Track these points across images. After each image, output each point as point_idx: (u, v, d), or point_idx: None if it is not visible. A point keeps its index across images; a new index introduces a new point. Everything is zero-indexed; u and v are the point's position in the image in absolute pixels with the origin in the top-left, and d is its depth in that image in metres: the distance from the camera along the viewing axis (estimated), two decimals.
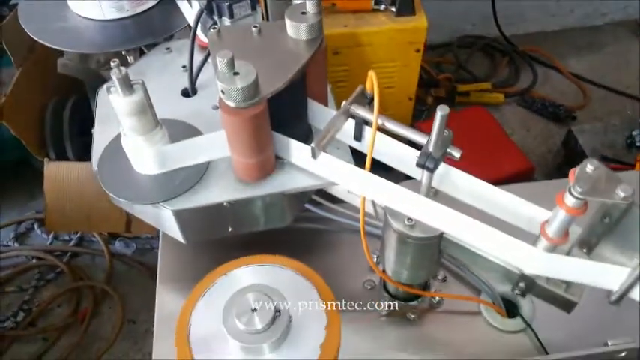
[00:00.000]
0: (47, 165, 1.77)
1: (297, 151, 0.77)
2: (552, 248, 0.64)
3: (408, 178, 0.76)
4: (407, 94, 2.01)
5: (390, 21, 1.77)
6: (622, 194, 0.54)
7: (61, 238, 2.13)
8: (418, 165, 0.67)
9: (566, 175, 0.57)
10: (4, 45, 1.71)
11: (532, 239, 0.68)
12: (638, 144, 1.99)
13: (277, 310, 0.58)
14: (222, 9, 0.91)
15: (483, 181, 0.71)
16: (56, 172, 1.77)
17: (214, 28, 0.79)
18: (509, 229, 0.68)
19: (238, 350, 0.59)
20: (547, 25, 2.93)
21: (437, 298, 0.93)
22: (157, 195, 0.79)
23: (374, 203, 0.87)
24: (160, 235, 1.03)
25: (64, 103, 1.97)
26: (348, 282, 0.97)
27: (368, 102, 0.73)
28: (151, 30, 1.13)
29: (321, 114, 0.83)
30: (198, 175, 0.81)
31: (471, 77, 2.68)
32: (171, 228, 0.84)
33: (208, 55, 0.93)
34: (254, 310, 0.58)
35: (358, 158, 0.78)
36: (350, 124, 0.76)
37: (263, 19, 1.01)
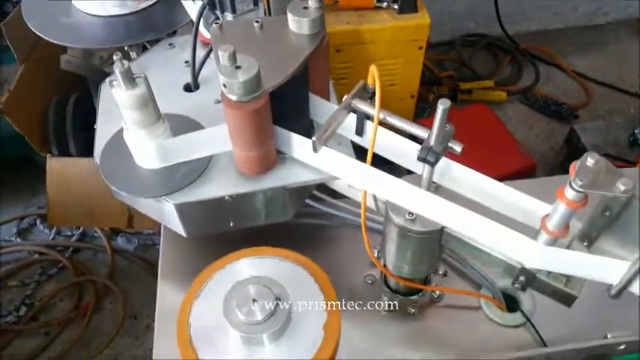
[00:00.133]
0: (50, 160, 1.78)
1: (298, 145, 0.78)
2: (553, 242, 0.64)
3: (410, 174, 0.76)
4: (409, 92, 2.01)
5: (392, 18, 1.77)
6: (622, 187, 0.54)
7: (63, 233, 2.14)
8: (419, 159, 0.67)
9: (568, 173, 0.58)
10: (8, 41, 1.72)
11: (533, 234, 0.68)
12: None
13: (277, 299, 0.58)
14: (225, 4, 0.92)
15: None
16: (58, 167, 1.78)
17: (217, 23, 0.79)
18: (510, 223, 0.69)
19: (239, 341, 0.59)
20: (550, 23, 2.93)
21: (437, 292, 0.93)
22: (158, 188, 0.80)
23: (375, 198, 0.88)
24: (162, 230, 1.04)
25: (66, 100, 1.97)
26: (348, 277, 0.97)
27: (369, 96, 0.74)
28: (154, 26, 1.13)
29: (322, 109, 0.83)
30: (200, 169, 0.82)
31: (474, 75, 2.68)
32: (172, 222, 0.84)
33: (211, 50, 0.93)
34: (254, 301, 0.59)
35: (360, 154, 0.79)
36: (352, 119, 0.76)
37: (265, 14, 1.01)
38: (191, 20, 1.09)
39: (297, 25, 0.76)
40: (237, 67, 0.66)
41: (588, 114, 2.52)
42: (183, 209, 0.80)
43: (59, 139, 1.93)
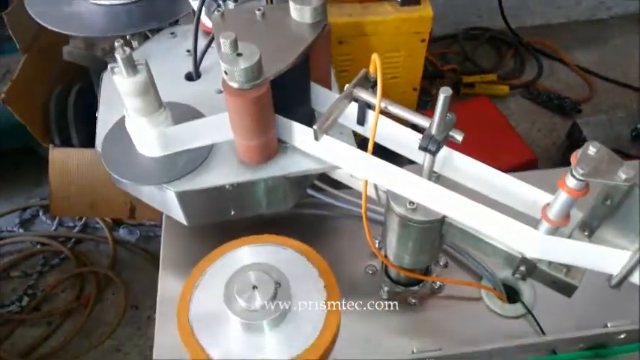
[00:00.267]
0: (52, 151, 1.78)
1: (299, 133, 0.78)
2: (553, 231, 0.64)
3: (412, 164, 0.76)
4: (412, 85, 2.00)
5: (395, 10, 1.76)
6: (624, 176, 0.54)
7: (65, 224, 2.15)
8: (420, 147, 0.67)
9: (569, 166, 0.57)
10: (10, 31, 1.72)
11: (534, 224, 0.68)
12: None
13: (277, 285, 0.59)
14: None
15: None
16: (61, 158, 1.79)
17: (218, 11, 0.79)
18: (511, 213, 0.68)
19: (239, 328, 0.60)
20: (553, 17, 2.92)
21: (438, 283, 0.94)
22: (159, 176, 0.80)
23: (376, 188, 0.88)
24: (163, 220, 1.04)
25: (69, 91, 1.98)
26: (349, 267, 0.97)
27: (371, 85, 0.73)
28: (156, 15, 1.13)
29: (324, 98, 0.83)
30: (201, 157, 0.82)
31: (477, 69, 2.67)
32: (174, 210, 0.84)
33: (212, 39, 0.93)
34: (255, 287, 0.59)
35: (362, 146, 0.78)
36: (353, 109, 0.76)
37: (267, 2, 1.00)
38: (193, 9, 1.09)
39: (299, 13, 0.76)
40: (239, 55, 0.66)
41: (591, 108, 2.52)
42: (184, 197, 0.80)
43: (61, 130, 1.93)
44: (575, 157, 0.57)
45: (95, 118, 0.91)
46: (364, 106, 0.75)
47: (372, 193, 0.88)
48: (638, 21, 2.92)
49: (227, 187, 0.80)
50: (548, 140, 2.40)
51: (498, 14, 2.69)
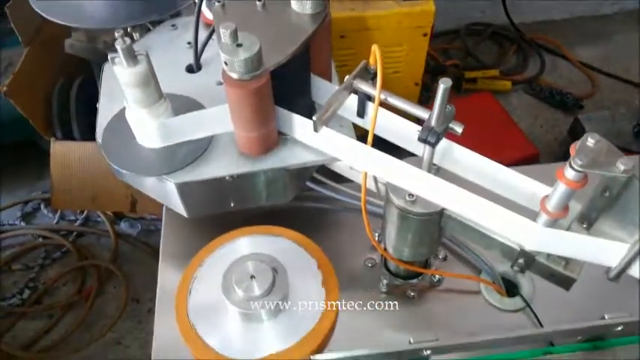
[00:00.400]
0: (53, 144, 1.78)
1: (299, 125, 0.78)
2: (552, 223, 0.64)
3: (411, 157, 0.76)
4: (413, 80, 2.00)
5: (397, 5, 1.76)
6: (622, 167, 0.54)
7: (67, 218, 2.15)
8: (420, 139, 0.67)
9: None
10: (12, 24, 1.72)
11: (533, 217, 0.68)
12: None
13: (275, 273, 0.59)
14: None
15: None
16: (62, 151, 1.79)
17: (219, 2, 0.79)
18: (511, 206, 0.68)
19: (237, 318, 0.60)
20: (556, 13, 2.91)
21: (437, 276, 0.94)
22: (159, 167, 0.80)
23: (376, 180, 0.88)
24: (163, 212, 1.04)
25: (71, 84, 1.97)
26: (349, 260, 0.97)
27: (371, 77, 0.73)
28: (157, 7, 1.12)
29: (324, 90, 0.83)
30: (201, 149, 0.82)
31: (479, 64, 2.66)
32: (173, 201, 0.84)
33: (213, 31, 0.93)
34: (252, 277, 0.59)
35: (362, 140, 0.78)
36: (354, 101, 0.76)
37: None
38: (194, 1, 1.09)
39: (300, 4, 0.75)
40: (239, 45, 0.66)
41: (593, 104, 2.51)
42: (183, 189, 0.80)
43: (63, 123, 1.93)
44: (574, 148, 0.56)
45: (97, 112, 0.91)
46: (364, 98, 0.75)
47: (372, 186, 0.88)
48: None
49: (227, 178, 0.80)
50: (550, 136, 2.40)
51: (501, 9, 2.68)
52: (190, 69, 0.95)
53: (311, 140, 0.78)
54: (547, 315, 0.88)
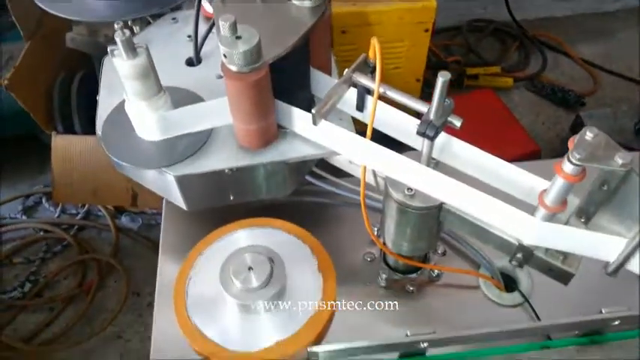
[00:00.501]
0: (54, 138, 1.79)
1: (298, 118, 0.78)
2: (550, 217, 0.64)
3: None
4: (415, 75, 2.00)
5: (398, 0, 1.75)
6: (620, 161, 0.54)
7: (68, 212, 2.16)
8: (418, 133, 0.67)
9: None
10: (13, 17, 1.72)
11: (532, 211, 0.68)
12: None
13: (272, 265, 0.59)
14: None
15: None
16: (63, 145, 1.79)
17: None
18: (510, 200, 0.68)
19: (235, 309, 0.60)
20: (558, 10, 2.91)
21: (436, 271, 0.94)
22: (159, 160, 0.80)
23: (375, 175, 0.88)
24: (163, 205, 1.04)
25: (72, 78, 1.98)
26: (348, 254, 0.98)
27: (370, 71, 0.73)
28: (158, 0, 1.13)
29: (324, 84, 0.83)
30: (200, 141, 0.82)
31: (481, 61, 2.66)
32: (173, 194, 0.84)
33: (213, 24, 0.93)
34: (250, 268, 0.59)
35: (362, 134, 0.78)
36: (353, 95, 0.76)
37: None
38: None
39: None
40: (238, 38, 0.66)
41: (595, 102, 2.51)
42: (183, 181, 0.80)
43: (64, 117, 1.94)
44: (572, 142, 0.56)
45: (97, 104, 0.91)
46: (363, 92, 0.75)
47: (371, 180, 0.88)
48: None
49: (226, 171, 0.80)
50: (551, 133, 2.39)
51: (503, 6, 2.67)
52: (190, 62, 0.95)
53: (310, 134, 0.78)
54: (545, 310, 0.88)
